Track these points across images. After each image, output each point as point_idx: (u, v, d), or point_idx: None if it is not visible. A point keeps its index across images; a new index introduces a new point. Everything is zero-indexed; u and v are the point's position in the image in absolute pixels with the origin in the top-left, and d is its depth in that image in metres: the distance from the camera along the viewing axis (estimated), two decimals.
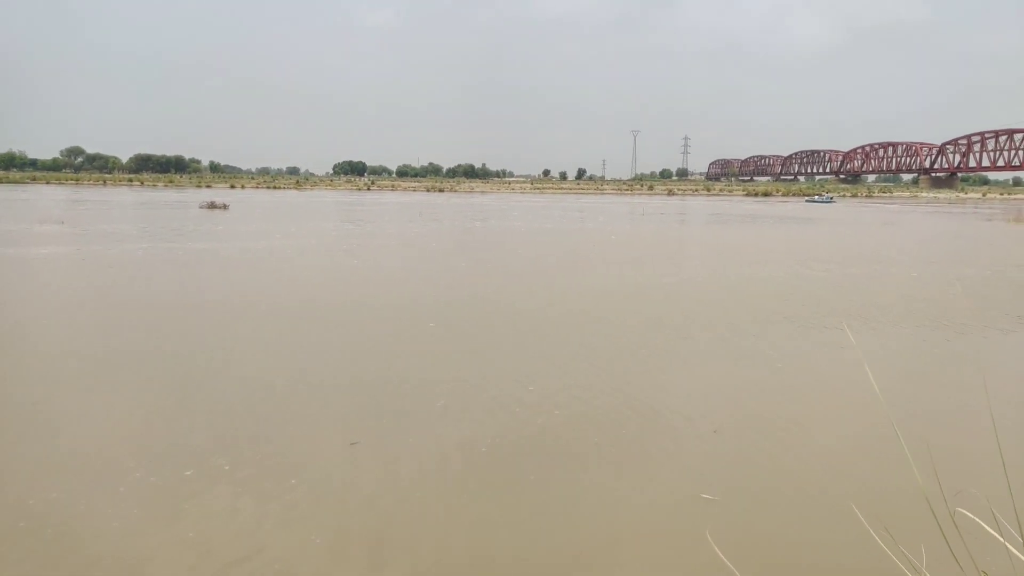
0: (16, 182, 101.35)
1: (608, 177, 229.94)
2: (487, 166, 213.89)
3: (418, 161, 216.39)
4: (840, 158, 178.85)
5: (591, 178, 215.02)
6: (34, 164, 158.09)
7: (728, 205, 69.45)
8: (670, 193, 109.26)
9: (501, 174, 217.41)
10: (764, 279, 16.08)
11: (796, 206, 68.62)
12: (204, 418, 6.48)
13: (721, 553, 4.02)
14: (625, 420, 6.65)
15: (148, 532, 4.50)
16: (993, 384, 8.03)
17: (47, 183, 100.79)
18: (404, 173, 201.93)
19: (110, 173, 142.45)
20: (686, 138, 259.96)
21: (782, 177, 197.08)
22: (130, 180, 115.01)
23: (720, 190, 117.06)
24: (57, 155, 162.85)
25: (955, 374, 8.61)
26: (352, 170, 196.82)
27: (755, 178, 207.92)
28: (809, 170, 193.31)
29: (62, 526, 4.54)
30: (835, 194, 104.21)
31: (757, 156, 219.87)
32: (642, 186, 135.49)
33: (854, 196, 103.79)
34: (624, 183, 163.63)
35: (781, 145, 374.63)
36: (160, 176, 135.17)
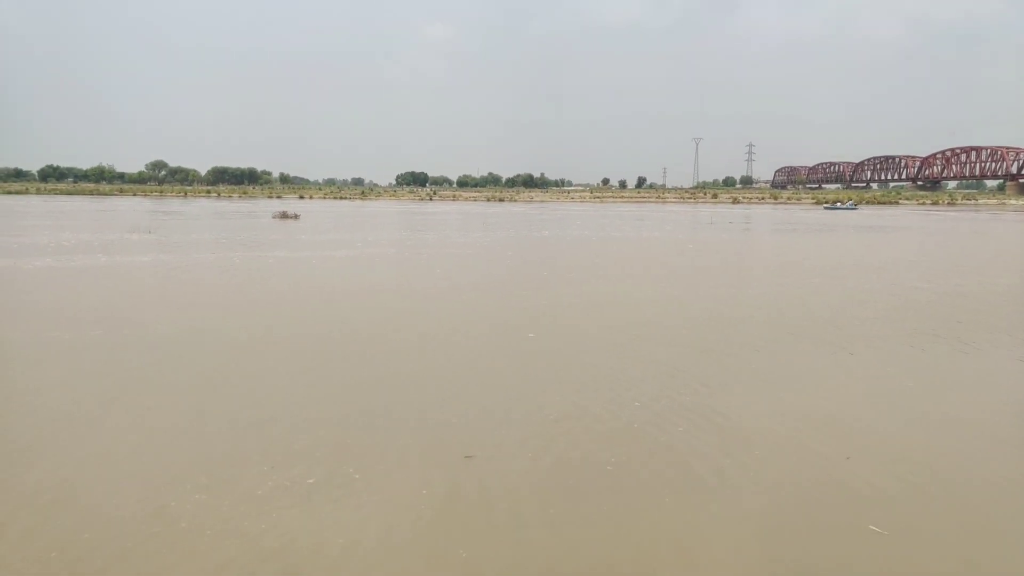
0: (106, 194, 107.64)
1: (669, 185, 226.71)
2: (546, 175, 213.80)
3: (478, 171, 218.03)
4: (917, 164, 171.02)
5: (651, 186, 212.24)
6: (122, 177, 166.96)
7: (799, 213, 67.53)
8: (735, 201, 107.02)
9: (560, 183, 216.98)
10: (879, 291, 15.55)
11: (867, 215, 66.13)
12: (333, 423, 6.71)
13: None
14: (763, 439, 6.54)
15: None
16: None
17: (134, 195, 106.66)
18: (464, 183, 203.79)
19: (190, 185, 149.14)
20: (750, 145, 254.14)
21: (853, 185, 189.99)
22: (208, 192, 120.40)
23: (787, 198, 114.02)
24: (143, 168, 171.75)
25: None
26: (414, 180, 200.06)
27: (823, 186, 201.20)
28: (883, 177, 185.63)
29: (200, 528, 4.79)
30: (914, 201, 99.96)
31: (826, 163, 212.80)
32: (705, 194, 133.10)
33: (934, 204, 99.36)
34: (686, 191, 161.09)
35: (851, 152, 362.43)
36: (235, 188, 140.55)
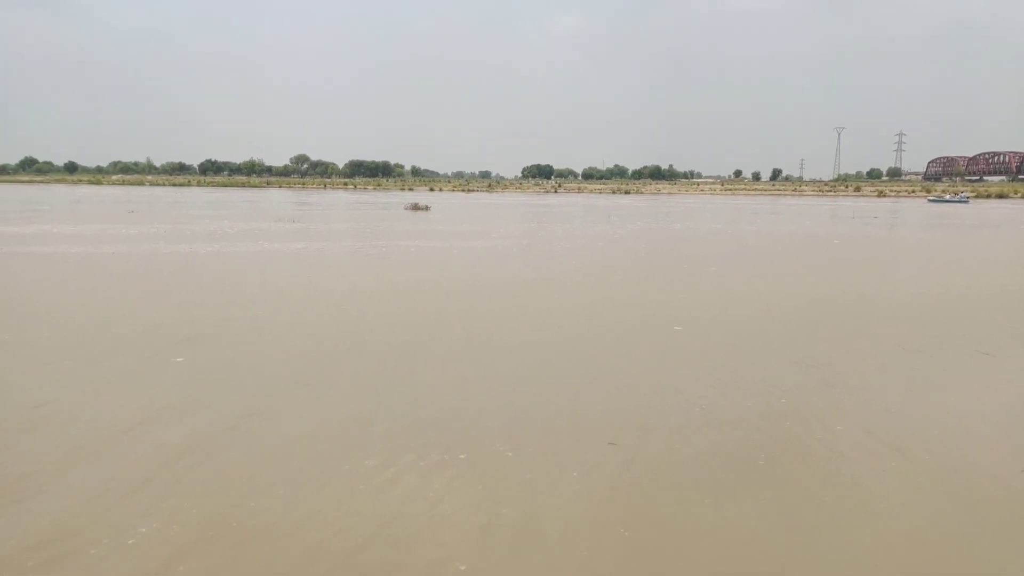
0: (256, 186, 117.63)
1: (807, 177, 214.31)
2: (674, 167, 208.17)
3: (603, 163, 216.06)
4: None
5: (787, 179, 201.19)
6: (269, 170, 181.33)
7: (936, 208, 61.75)
8: (880, 195, 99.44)
9: (689, 175, 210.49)
10: None
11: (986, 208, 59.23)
12: (490, 404, 7.12)
13: None
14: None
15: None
16: None
17: (279, 187, 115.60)
18: (590, 175, 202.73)
19: (329, 178, 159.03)
20: (900, 134, 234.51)
21: (1019, 177, 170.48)
22: (345, 184, 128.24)
23: (942, 192, 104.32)
24: (287, 162, 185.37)
25: None
26: (540, 173, 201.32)
27: (985, 178, 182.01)
28: None
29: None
30: None
31: (988, 153, 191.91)
32: (846, 187, 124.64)
33: None
34: (825, 184, 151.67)
35: (1019, 141, 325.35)
36: (370, 180, 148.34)
